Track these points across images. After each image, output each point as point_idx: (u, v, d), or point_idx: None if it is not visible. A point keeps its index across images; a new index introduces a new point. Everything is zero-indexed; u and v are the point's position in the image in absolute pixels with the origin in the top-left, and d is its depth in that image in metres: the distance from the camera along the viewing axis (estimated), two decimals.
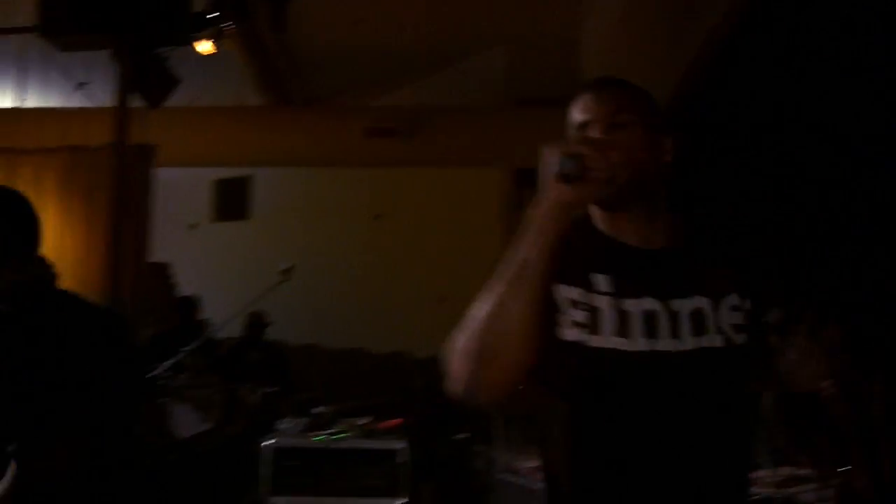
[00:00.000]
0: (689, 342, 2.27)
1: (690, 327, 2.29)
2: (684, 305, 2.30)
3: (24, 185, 10.88)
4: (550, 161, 2.21)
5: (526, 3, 11.91)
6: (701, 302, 2.31)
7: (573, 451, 2.31)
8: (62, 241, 10.69)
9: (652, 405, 2.26)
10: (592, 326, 2.28)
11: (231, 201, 15.45)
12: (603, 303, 2.29)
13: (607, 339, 2.26)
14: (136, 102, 9.83)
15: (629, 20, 10.53)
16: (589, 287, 2.32)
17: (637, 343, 2.26)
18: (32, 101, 12.67)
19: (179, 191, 13.61)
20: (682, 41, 8.21)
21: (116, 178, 9.71)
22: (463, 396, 2.27)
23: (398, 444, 7.63)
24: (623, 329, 2.27)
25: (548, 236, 2.17)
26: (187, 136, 12.21)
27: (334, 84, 14.26)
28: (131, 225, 10.05)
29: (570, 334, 2.29)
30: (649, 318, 2.28)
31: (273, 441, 7.69)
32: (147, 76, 9.54)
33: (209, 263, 14.17)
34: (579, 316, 2.29)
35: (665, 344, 2.26)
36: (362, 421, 7.95)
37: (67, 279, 10.28)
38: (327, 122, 13.12)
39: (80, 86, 12.34)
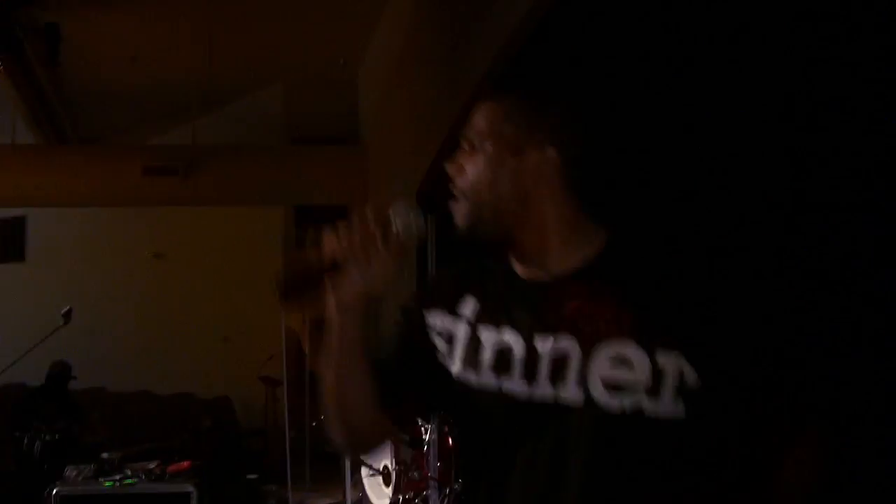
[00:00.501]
0: (545, 388, 1.95)
1: (548, 372, 1.95)
2: (546, 344, 1.97)
3: None
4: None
5: (303, 44, 12.04)
6: (566, 344, 1.95)
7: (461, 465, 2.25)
8: None
9: (498, 442, 2.01)
10: (448, 354, 2.13)
11: (6, 242, 15.07)
12: (461, 330, 2.12)
13: (458, 368, 2.10)
14: None
15: (404, 60, 10.73)
16: (454, 312, 2.15)
17: (483, 376, 2.04)
18: None
19: None
20: (457, 79, 8.43)
21: None
22: (346, 454, 2.26)
23: (188, 488, 7.54)
24: (473, 360, 2.07)
25: (340, 330, 2.06)
26: None
27: (111, 122, 14.13)
28: None
29: (436, 362, 2.16)
30: (502, 353, 2.02)
31: (59, 488, 7.50)
32: None
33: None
34: (439, 342, 2.15)
35: (512, 385, 1.99)
36: (151, 465, 7.83)
37: None
38: (104, 160, 12.94)
39: None
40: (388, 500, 7.67)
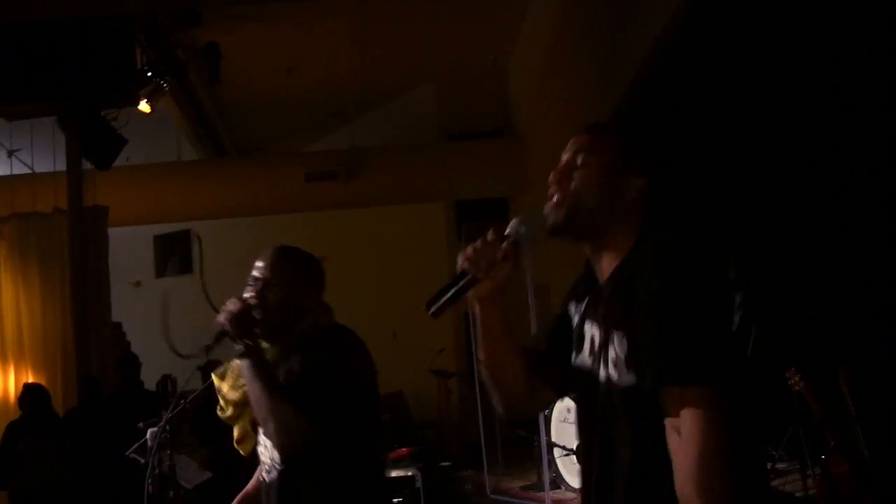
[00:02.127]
0: (589, 362, 2.40)
1: (591, 350, 2.41)
2: (588, 330, 2.43)
3: None
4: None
5: (452, 40, 12.04)
6: (594, 331, 2.40)
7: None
8: (19, 306, 10.50)
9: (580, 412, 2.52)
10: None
11: (172, 256, 15.38)
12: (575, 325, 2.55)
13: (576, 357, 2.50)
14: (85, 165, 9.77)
15: (558, 50, 10.67)
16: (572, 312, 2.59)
17: (577, 358, 2.48)
18: None
19: (122, 248, 13.52)
20: (612, 72, 8.36)
21: (73, 241, 9.63)
22: (505, 418, 2.72)
23: (413, 472, 7.99)
24: (578, 345, 2.48)
25: (481, 320, 2.48)
26: (132, 196, 12.12)
27: (270, 132, 14.33)
28: (91, 286, 9.96)
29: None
30: (581, 338, 2.46)
31: None
32: (95, 139, 9.49)
33: (156, 319, 14.03)
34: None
35: (583, 360, 2.43)
36: None
37: (29, 347, 10.09)
38: (266, 170, 13.13)
39: (11, 153, 12.17)
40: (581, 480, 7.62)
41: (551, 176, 2.47)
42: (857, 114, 6.19)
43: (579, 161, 2.45)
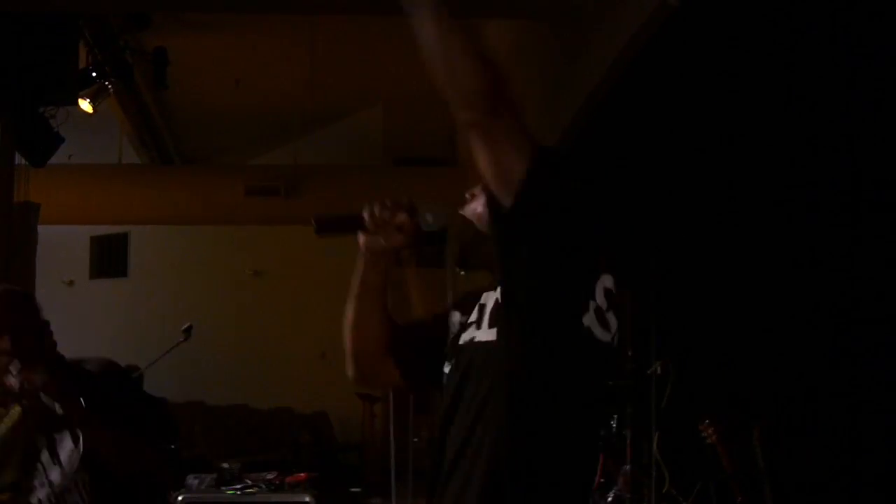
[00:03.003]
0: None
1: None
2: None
3: None
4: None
5: (402, 65, 11.95)
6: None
7: None
8: None
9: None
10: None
11: (110, 258, 15.20)
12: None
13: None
14: (18, 161, 9.59)
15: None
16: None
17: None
18: None
19: (57, 248, 13.29)
20: (558, 105, 8.34)
21: (1, 237, 9.44)
22: (355, 383, 2.80)
23: (307, 498, 7.76)
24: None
25: (360, 273, 2.62)
26: (68, 195, 11.91)
27: (214, 143, 14.21)
28: (15, 281, 9.75)
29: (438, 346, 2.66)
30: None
31: (185, 496, 7.67)
32: (30, 135, 9.32)
33: (88, 321, 13.81)
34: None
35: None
36: (270, 475, 7.95)
37: None
38: (207, 180, 12.96)
39: None
40: None
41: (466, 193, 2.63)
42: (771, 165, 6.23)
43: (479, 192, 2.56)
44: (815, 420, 6.34)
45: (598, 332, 2.30)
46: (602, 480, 7.66)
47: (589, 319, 2.28)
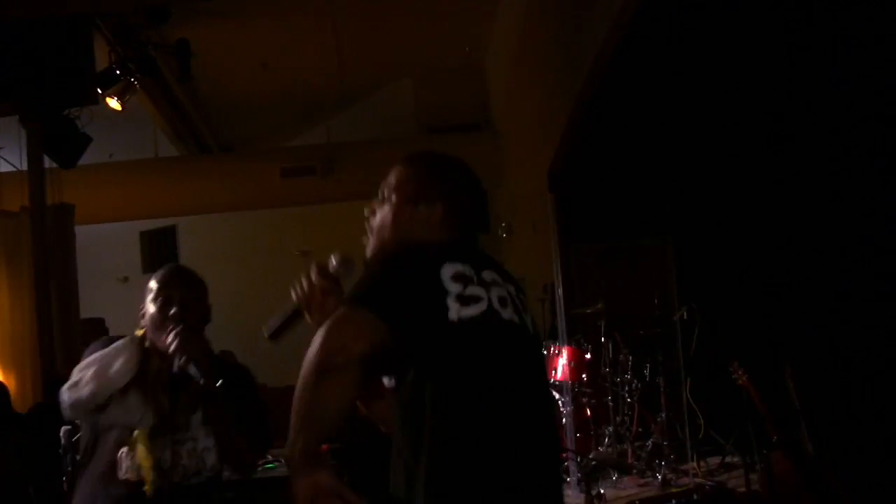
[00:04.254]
0: None
1: None
2: None
3: None
4: None
5: (429, 34, 11.92)
6: None
7: None
8: None
9: None
10: None
11: (160, 252, 15.29)
12: None
13: None
14: (51, 164, 9.67)
15: (528, 41, 10.55)
16: None
17: None
18: None
19: (109, 245, 13.42)
20: (576, 61, 8.23)
21: (36, 240, 9.53)
22: None
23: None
24: None
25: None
26: (108, 192, 12.04)
27: (248, 129, 14.21)
28: (56, 284, 9.85)
29: None
30: None
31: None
32: (58, 137, 9.40)
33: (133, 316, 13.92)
34: None
35: None
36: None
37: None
38: (244, 166, 13.02)
39: None
40: None
41: (365, 211, 2.82)
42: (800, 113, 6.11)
43: (382, 198, 2.74)
44: (847, 353, 6.25)
45: (468, 311, 2.40)
46: (639, 430, 7.60)
47: (454, 312, 2.38)
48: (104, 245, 12.91)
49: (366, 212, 2.79)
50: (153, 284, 3.58)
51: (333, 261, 2.76)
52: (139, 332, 3.59)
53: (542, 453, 2.46)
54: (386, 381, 2.49)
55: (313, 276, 2.72)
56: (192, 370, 3.34)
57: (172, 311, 3.45)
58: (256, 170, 12.72)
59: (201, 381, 3.33)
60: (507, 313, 2.49)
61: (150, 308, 3.52)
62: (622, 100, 7.77)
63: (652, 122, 7.65)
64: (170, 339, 3.38)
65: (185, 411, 3.46)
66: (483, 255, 2.62)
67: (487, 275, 2.50)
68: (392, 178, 2.75)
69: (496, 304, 2.46)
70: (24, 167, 9.98)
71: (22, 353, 10.00)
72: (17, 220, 10.15)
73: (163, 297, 3.50)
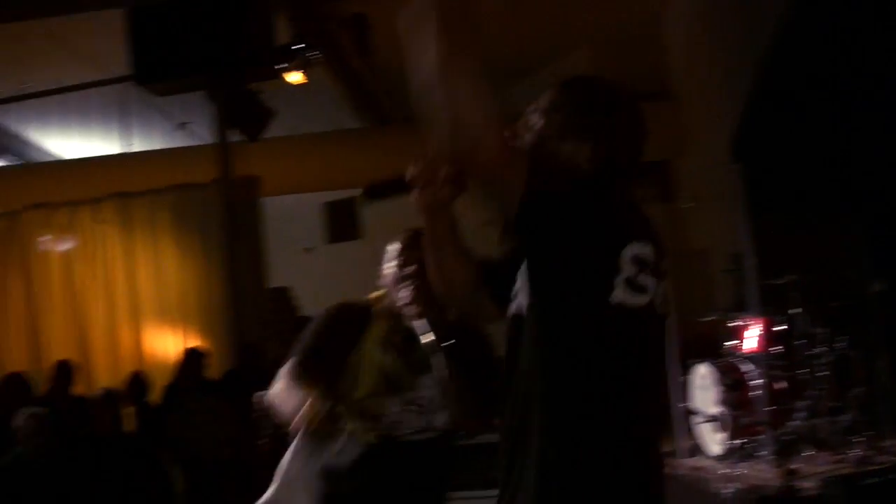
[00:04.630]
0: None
1: None
2: None
3: (140, 226, 11.16)
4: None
5: (606, 2, 11.77)
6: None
7: None
8: (183, 276, 11.22)
9: None
10: None
11: (342, 222, 15.50)
12: None
13: None
14: (238, 137, 9.92)
15: (707, 5, 10.36)
16: None
17: None
18: (138, 145, 12.94)
19: (293, 217, 13.68)
20: (759, 22, 8.04)
21: (225, 211, 9.81)
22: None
23: None
24: None
25: (428, 230, 2.59)
26: (291, 165, 12.27)
27: None
28: (245, 254, 10.15)
29: None
30: None
31: None
32: (242, 111, 9.63)
33: (329, 286, 14.16)
34: None
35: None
36: None
37: (192, 311, 10.54)
38: (422, 137, 13.09)
39: (181, 126, 12.56)
40: (721, 447, 7.41)
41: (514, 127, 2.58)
42: None
43: (531, 119, 2.55)
44: None
45: (632, 299, 2.27)
46: (834, 404, 7.39)
47: (619, 295, 2.25)
48: (289, 216, 13.15)
49: (515, 128, 2.58)
50: (394, 247, 3.70)
51: None
52: (375, 295, 3.75)
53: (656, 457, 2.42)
54: (514, 304, 2.41)
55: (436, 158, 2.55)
56: (423, 325, 3.48)
57: (410, 269, 3.57)
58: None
59: (431, 338, 3.44)
60: (660, 305, 2.37)
61: (390, 268, 3.66)
62: (810, 63, 7.53)
63: (842, 85, 7.39)
64: (404, 293, 3.56)
65: (414, 370, 3.56)
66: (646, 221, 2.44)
67: (663, 263, 2.38)
68: (543, 101, 2.57)
69: (658, 299, 2.34)
70: (213, 141, 10.27)
71: (214, 321, 10.38)
72: (207, 192, 10.52)
73: (403, 258, 3.62)
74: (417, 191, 2.53)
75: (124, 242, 11.53)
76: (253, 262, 10.35)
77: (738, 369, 7.49)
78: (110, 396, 8.81)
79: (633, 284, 2.26)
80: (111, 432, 8.44)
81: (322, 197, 14.97)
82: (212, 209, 10.42)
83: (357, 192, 14.72)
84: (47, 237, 11.85)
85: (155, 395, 9.53)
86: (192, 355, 9.54)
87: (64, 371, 9.35)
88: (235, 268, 9.96)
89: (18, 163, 13.79)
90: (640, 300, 2.28)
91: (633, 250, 2.28)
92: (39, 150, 14.00)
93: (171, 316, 11.24)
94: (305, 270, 14.20)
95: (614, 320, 2.25)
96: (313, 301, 12.25)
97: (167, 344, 11.17)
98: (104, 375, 10.74)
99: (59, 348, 11.07)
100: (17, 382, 8.59)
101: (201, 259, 10.83)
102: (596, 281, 2.25)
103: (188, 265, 11.27)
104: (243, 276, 10.19)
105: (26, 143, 13.75)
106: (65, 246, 11.84)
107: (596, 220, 2.27)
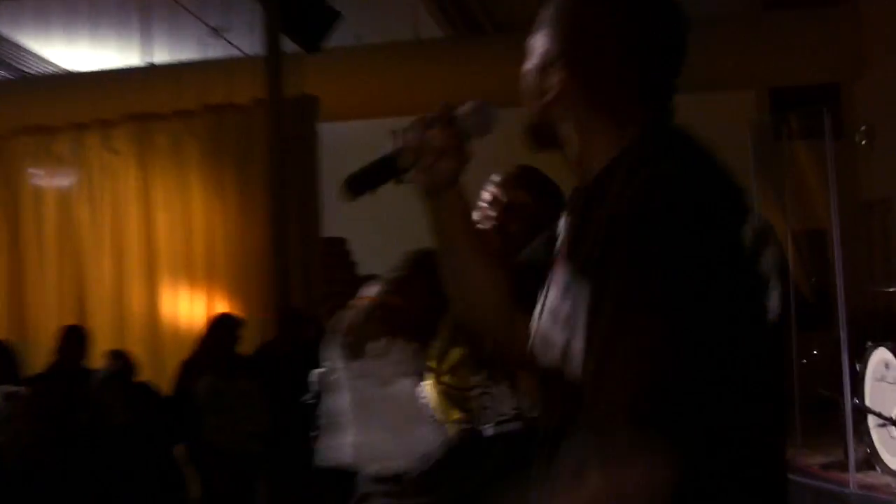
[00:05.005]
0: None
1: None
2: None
3: (161, 155, 11.27)
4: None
5: None
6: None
7: None
8: (213, 222, 11.01)
9: None
10: None
11: None
12: None
13: None
14: (289, 47, 9.95)
15: None
16: None
17: None
18: (161, 56, 12.90)
19: (352, 149, 13.77)
20: None
21: (273, 139, 9.82)
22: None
23: None
24: None
25: (432, 222, 2.44)
26: (355, 84, 12.27)
27: (529, 4, 14.26)
28: (295, 195, 10.12)
29: None
30: None
31: None
32: (300, 14, 9.63)
33: (391, 236, 14.23)
34: None
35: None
36: None
37: (223, 267, 10.39)
38: (523, 50, 13.03)
39: (216, 32, 12.43)
40: None
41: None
42: None
43: (541, 39, 2.34)
44: None
45: (776, 302, 2.11)
46: None
47: (774, 309, 2.09)
48: (347, 149, 13.24)
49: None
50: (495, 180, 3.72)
51: (465, 110, 2.36)
52: None
53: None
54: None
55: (431, 122, 2.36)
56: None
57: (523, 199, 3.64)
58: None
59: None
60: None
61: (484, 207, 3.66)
62: None
63: None
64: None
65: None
66: None
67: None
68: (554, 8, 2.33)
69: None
70: (257, 52, 10.31)
71: (251, 278, 10.28)
72: (249, 115, 10.49)
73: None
74: (411, 169, 2.36)
75: (140, 178, 11.36)
76: (305, 205, 10.20)
77: None
78: (117, 373, 8.72)
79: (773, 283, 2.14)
80: (118, 420, 8.31)
81: (391, 125, 15.06)
82: (254, 138, 10.50)
83: None
84: (42, 170, 11.82)
85: (167, 373, 9.40)
86: (221, 324, 9.30)
87: (74, 339, 9.16)
88: (282, 213, 10.07)
89: (10, 76, 13.95)
90: (777, 297, 2.12)
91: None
92: (37, 59, 14.06)
93: (196, 273, 11.06)
94: (362, 218, 14.27)
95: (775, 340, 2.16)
96: (372, 255, 12.40)
97: (190, 309, 11.08)
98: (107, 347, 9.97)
99: (49, 313, 11.12)
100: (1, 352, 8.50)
101: (237, 201, 10.60)
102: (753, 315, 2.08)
103: (220, 208, 11.03)
104: (291, 224, 10.10)
105: (21, 51, 13.76)
106: (64, 181, 11.78)
107: None
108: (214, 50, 12.37)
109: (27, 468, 6.62)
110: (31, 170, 11.84)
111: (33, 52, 13.87)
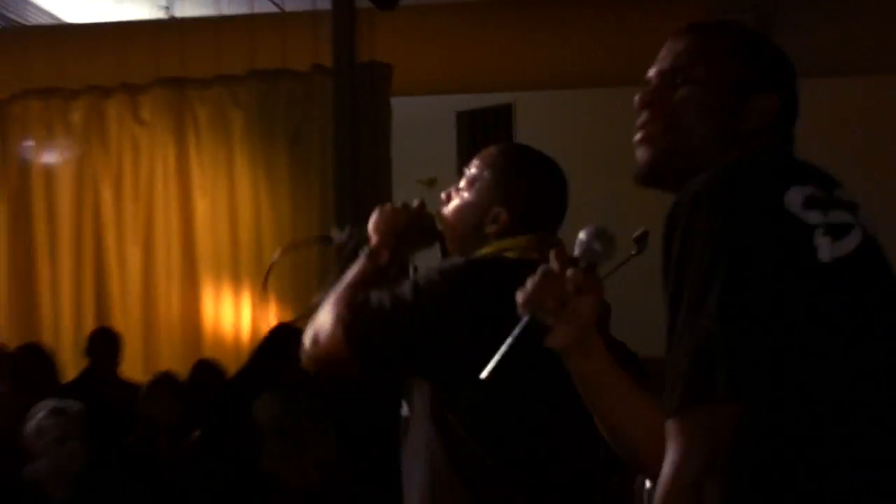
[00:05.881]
0: None
1: None
2: None
3: (199, 131, 11.13)
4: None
5: None
6: None
7: None
8: (262, 209, 10.88)
9: None
10: None
11: (486, 141, 15.40)
12: None
13: None
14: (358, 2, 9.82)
15: None
16: None
17: None
18: (197, 9, 12.60)
19: (419, 129, 13.51)
20: None
21: (338, 112, 9.66)
22: None
23: None
24: None
25: (576, 375, 2.59)
26: (427, 51, 12.01)
27: None
28: (363, 180, 9.97)
29: None
30: None
31: None
32: None
33: None
34: None
35: None
36: None
37: (269, 252, 10.39)
38: (642, 17, 12.68)
39: None
40: None
41: (637, 99, 2.64)
42: None
43: (680, 76, 2.57)
44: None
45: (843, 245, 2.31)
46: None
47: (826, 250, 2.28)
48: (414, 129, 12.97)
49: (637, 100, 2.64)
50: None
51: (583, 243, 2.59)
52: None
53: None
54: None
55: (552, 265, 2.56)
56: None
57: None
58: (657, 24, 12.45)
59: None
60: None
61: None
62: None
63: None
64: None
65: None
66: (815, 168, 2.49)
67: (842, 193, 2.42)
68: (698, 47, 2.61)
69: (870, 230, 2.38)
70: (318, 6, 10.17)
71: (309, 280, 10.07)
72: (306, 83, 10.36)
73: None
74: (540, 326, 2.52)
75: (173, 156, 11.12)
76: (376, 191, 10.06)
77: None
78: (171, 385, 8.60)
79: (831, 229, 2.33)
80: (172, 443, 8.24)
81: (453, 104, 14.83)
82: (313, 110, 10.41)
83: (512, 96, 14.72)
84: (48, 143, 11.54)
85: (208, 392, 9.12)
86: (279, 335, 9.20)
87: (105, 344, 9.21)
88: (351, 200, 9.86)
89: (7, 25, 13.60)
90: (853, 240, 2.34)
91: (797, 196, 2.34)
92: (38, 9, 13.86)
93: (242, 272, 10.84)
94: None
95: (838, 280, 2.32)
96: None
97: (234, 313, 10.89)
98: (134, 361, 10.19)
99: (63, 314, 10.93)
100: (37, 357, 8.49)
101: (292, 184, 10.62)
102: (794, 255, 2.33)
103: (271, 193, 10.89)
104: (355, 209, 9.94)
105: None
106: (75, 157, 11.49)
107: None
108: (264, 3, 12.10)
109: (81, 495, 6.55)
110: (33, 143, 11.56)
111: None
